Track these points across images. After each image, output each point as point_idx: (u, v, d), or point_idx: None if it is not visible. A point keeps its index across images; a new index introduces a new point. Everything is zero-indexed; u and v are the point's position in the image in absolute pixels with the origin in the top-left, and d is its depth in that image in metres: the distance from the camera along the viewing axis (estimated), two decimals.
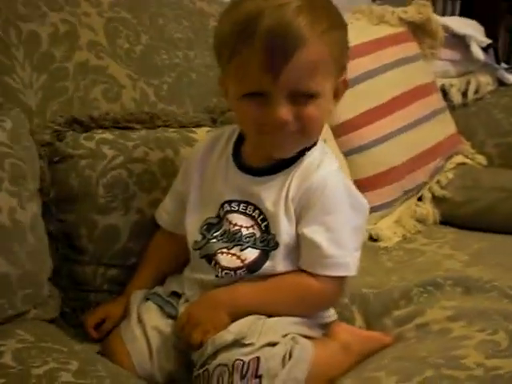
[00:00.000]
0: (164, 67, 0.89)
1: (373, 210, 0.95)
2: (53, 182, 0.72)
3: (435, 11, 1.26)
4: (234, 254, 0.64)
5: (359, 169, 1.00)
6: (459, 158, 1.16)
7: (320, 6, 0.59)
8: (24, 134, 0.67)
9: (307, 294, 0.64)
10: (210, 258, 0.65)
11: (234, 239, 0.64)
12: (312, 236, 0.62)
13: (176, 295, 0.69)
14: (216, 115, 0.87)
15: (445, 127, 1.17)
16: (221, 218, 0.66)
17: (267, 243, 0.63)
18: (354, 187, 0.66)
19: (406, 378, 0.56)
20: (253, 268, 0.63)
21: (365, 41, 1.08)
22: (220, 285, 0.64)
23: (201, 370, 0.59)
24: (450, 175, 1.12)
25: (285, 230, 0.63)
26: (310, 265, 0.63)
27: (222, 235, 0.66)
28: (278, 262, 0.63)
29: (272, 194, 0.64)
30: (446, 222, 1.08)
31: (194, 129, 0.82)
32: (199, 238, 0.67)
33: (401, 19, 1.15)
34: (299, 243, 0.63)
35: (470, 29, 1.29)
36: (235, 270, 0.64)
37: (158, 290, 0.70)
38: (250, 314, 0.62)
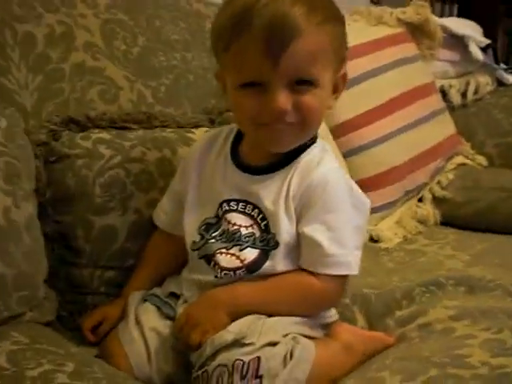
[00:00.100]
0: (161, 69, 0.88)
1: (373, 210, 0.95)
2: (49, 182, 0.71)
3: (433, 14, 1.26)
4: (233, 254, 0.63)
5: (360, 169, 1.00)
6: (459, 159, 1.16)
7: None
8: (18, 133, 0.66)
9: (308, 294, 0.63)
10: (209, 258, 0.65)
11: (233, 239, 0.64)
12: (313, 235, 0.61)
13: (174, 296, 0.68)
14: (214, 116, 0.86)
15: (444, 128, 1.17)
16: (219, 218, 0.65)
17: (267, 243, 0.63)
18: (355, 185, 0.65)
19: (411, 378, 0.55)
20: (252, 268, 0.62)
21: (363, 41, 1.08)
22: (219, 285, 0.63)
23: (200, 372, 0.58)
24: (451, 176, 1.11)
25: (285, 229, 0.62)
26: (311, 264, 0.62)
27: (220, 235, 0.65)
28: (277, 262, 0.62)
29: (271, 192, 0.63)
30: (446, 222, 1.08)
31: (191, 129, 0.81)
32: (198, 238, 0.66)
33: (399, 20, 1.15)
34: (300, 242, 0.62)
35: (469, 29, 1.29)
36: (234, 270, 0.63)
37: (156, 291, 0.69)
38: (250, 314, 0.61)
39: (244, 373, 0.55)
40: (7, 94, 0.72)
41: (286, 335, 0.60)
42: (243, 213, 0.64)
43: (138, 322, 0.65)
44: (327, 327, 0.66)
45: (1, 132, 0.62)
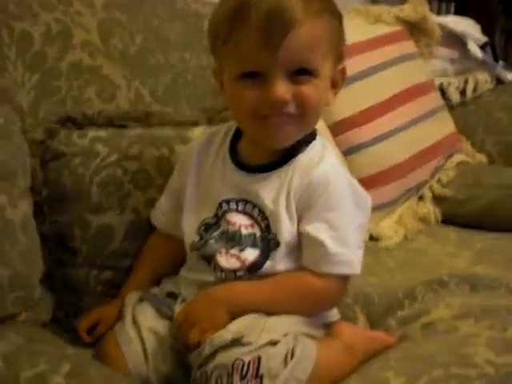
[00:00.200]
0: (159, 68, 0.88)
1: (373, 209, 0.93)
2: (45, 180, 0.70)
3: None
4: (233, 255, 0.62)
5: (360, 167, 0.99)
6: (459, 157, 1.16)
7: None
8: (15, 131, 0.65)
9: (309, 293, 0.62)
10: (209, 259, 0.64)
11: (234, 239, 0.63)
12: (315, 234, 0.60)
13: (172, 296, 0.67)
14: (212, 114, 0.86)
15: (444, 126, 1.17)
16: (219, 218, 0.65)
17: (268, 242, 0.62)
18: (356, 183, 0.65)
19: (415, 378, 0.54)
20: (253, 268, 0.62)
21: (362, 39, 1.08)
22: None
23: (198, 372, 0.57)
24: (451, 173, 1.11)
25: (286, 228, 0.61)
26: (313, 263, 0.61)
27: (220, 235, 0.64)
28: (278, 262, 0.62)
29: (272, 191, 0.62)
30: (447, 220, 1.07)
31: (190, 127, 0.81)
32: (197, 238, 0.65)
33: (397, 18, 1.15)
34: (301, 241, 0.62)
35: (467, 27, 1.29)
36: (235, 271, 0.62)
37: (154, 290, 0.69)
38: (250, 313, 0.60)
39: (244, 373, 0.54)
40: (4, 92, 0.72)
41: (287, 334, 0.59)
42: (243, 212, 0.63)
43: (135, 322, 0.64)
44: (328, 327, 0.65)
45: None
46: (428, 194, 1.08)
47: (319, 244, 0.60)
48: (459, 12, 1.56)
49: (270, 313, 0.60)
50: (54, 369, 0.51)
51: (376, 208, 0.99)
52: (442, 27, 1.23)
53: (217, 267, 0.63)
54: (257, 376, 0.55)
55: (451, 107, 1.24)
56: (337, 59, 0.62)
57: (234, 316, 0.59)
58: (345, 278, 0.63)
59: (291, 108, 0.59)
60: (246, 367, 0.55)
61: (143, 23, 0.89)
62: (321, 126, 0.75)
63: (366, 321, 0.73)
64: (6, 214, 0.59)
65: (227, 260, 0.62)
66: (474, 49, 1.26)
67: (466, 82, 1.27)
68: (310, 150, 0.64)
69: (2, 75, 0.72)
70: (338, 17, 0.61)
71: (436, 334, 0.64)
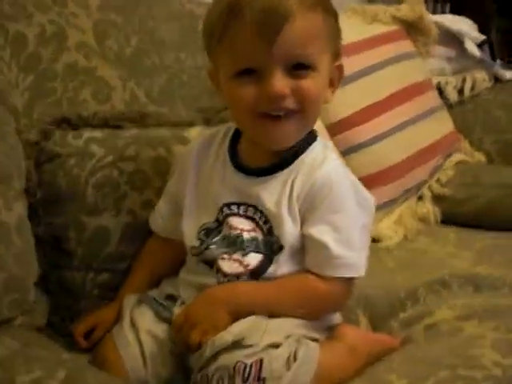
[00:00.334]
0: (154, 69, 0.87)
1: None
2: (40, 182, 0.69)
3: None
4: (236, 260, 0.61)
5: (358, 167, 0.98)
6: (458, 157, 1.15)
7: None
8: (9, 132, 0.64)
9: (313, 296, 0.61)
10: (211, 263, 0.63)
11: (235, 244, 0.62)
12: (319, 236, 0.59)
13: (171, 298, 0.66)
14: (209, 115, 0.85)
15: (442, 125, 1.17)
16: (220, 223, 0.63)
17: (271, 246, 0.61)
18: (359, 183, 0.64)
19: (418, 380, 0.53)
20: (257, 273, 0.61)
21: (359, 39, 1.07)
22: None
23: (199, 375, 0.56)
24: (450, 173, 1.10)
25: (289, 231, 0.60)
26: (318, 266, 0.60)
27: (222, 240, 0.63)
28: (282, 265, 0.61)
29: (273, 193, 0.61)
30: (446, 220, 1.06)
31: (186, 128, 0.80)
32: (197, 243, 0.64)
33: (394, 17, 1.15)
34: (305, 244, 0.61)
35: (464, 26, 1.29)
36: (238, 276, 0.61)
37: (153, 292, 0.67)
38: (252, 315, 0.59)
39: (246, 375, 0.53)
40: None
41: (289, 337, 0.58)
42: (245, 216, 0.62)
43: (133, 325, 0.63)
44: (331, 329, 0.64)
45: None
46: (427, 194, 1.08)
47: (323, 246, 0.59)
48: (454, 12, 1.56)
49: (271, 314, 0.59)
50: (50, 374, 0.50)
51: (375, 208, 0.98)
52: (439, 26, 1.23)
53: (219, 272, 0.62)
54: (259, 379, 0.54)
55: (449, 106, 1.23)
56: (334, 56, 0.61)
57: (236, 317, 0.58)
58: (349, 281, 0.62)
59: (290, 103, 0.58)
60: (247, 369, 0.54)
61: (138, 24, 0.89)
62: (318, 127, 0.74)
63: (369, 323, 0.72)
64: (0, 216, 0.58)
65: (230, 265, 0.61)
66: (471, 47, 1.26)
67: (464, 80, 1.27)
68: (312, 151, 0.63)
69: None
70: (333, 14, 0.61)
71: (439, 336, 0.64)
